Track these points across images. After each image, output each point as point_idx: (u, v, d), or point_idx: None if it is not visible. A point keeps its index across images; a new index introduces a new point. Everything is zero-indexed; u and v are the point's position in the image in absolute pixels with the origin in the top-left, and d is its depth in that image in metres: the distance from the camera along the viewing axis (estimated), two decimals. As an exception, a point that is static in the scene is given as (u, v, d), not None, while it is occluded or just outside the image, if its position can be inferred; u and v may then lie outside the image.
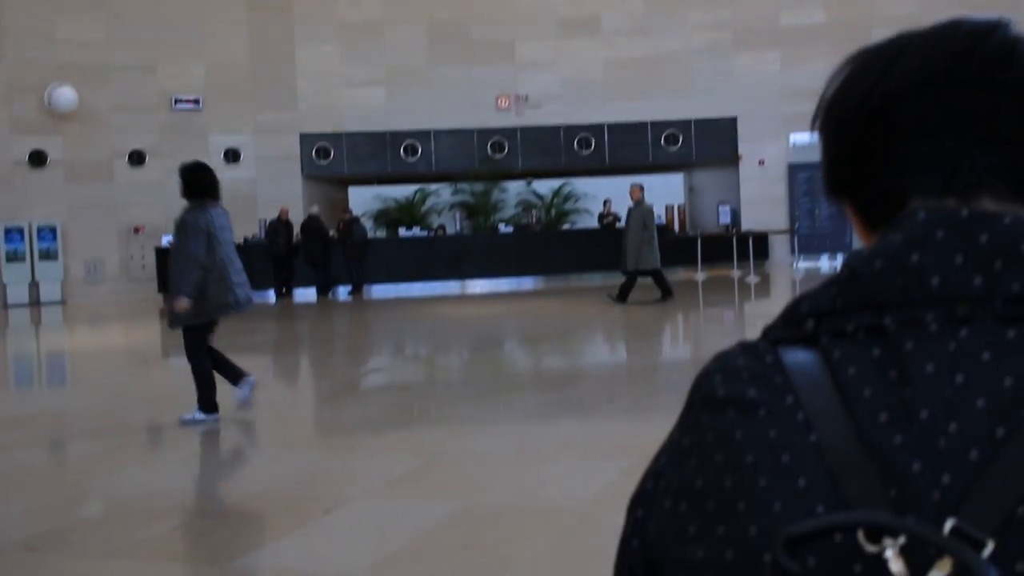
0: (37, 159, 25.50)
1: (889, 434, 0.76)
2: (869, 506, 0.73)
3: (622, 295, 17.63)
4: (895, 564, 0.70)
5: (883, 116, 0.86)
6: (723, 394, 0.84)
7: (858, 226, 0.93)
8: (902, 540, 0.70)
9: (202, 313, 8.12)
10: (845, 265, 0.84)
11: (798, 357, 0.83)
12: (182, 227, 8.14)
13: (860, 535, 0.72)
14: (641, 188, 17.86)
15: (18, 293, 24.76)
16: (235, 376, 8.41)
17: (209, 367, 8.32)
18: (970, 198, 0.83)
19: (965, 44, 0.85)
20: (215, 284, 8.11)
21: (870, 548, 0.71)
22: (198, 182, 8.25)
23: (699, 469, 0.82)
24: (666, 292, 17.68)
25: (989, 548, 0.69)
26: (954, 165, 0.83)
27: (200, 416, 8.27)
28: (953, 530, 0.70)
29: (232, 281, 8.18)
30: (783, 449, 0.78)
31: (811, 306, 0.84)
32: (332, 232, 24.63)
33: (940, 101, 0.84)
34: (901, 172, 0.86)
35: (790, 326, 0.86)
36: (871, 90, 0.87)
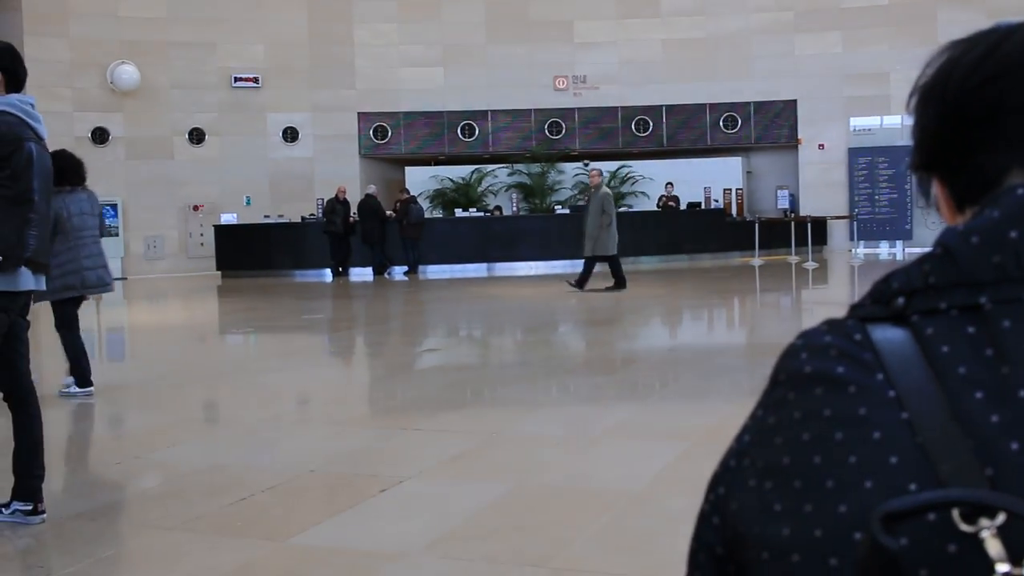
0: (99, 136, 25.81)
1: (985, 412, 0.74)
2: (965, 485, 0.71)
3: (580, 281, 17.54)
4: (992, 545, 0.68)
5: (991, 90, 0.84)
6: (810, 371, 0.82)
7: (945, 204, 0.91)
8: (1000, 520, 0.68)
9: (53, 291, 8.31)
10: (938, 242, 0.82)
11: (888, 334, 0.80)
12: None
13: (955, 514, 0.69)
14: (600, 173, 17.92)
15: (80, 269, 25.00)
16: (84, 375, 8.64)
17: (78, 342, 8.66)
18: None
19: None
20: (63, 266, 8.34)
21: (965, 528, 0.69)
22: (57, 168, 8.49)
23: (786, 447, 0.80)
24: (619, 281, 17.40)
25: None
26: None
27: (74, 389, 8.57)
28: None
29: (82, 264, 8.53)
30: (874, 426, 0.76)
31: (902, 283, 0.82)
32: (389, 212, 24.72)
33: None
34: (1006, 146, 0.84)
35: (879, 303, 0.83)
36: (979, 65, 0.85)
